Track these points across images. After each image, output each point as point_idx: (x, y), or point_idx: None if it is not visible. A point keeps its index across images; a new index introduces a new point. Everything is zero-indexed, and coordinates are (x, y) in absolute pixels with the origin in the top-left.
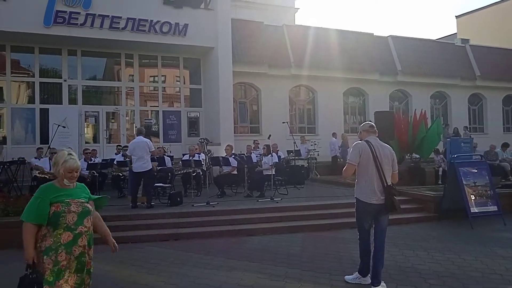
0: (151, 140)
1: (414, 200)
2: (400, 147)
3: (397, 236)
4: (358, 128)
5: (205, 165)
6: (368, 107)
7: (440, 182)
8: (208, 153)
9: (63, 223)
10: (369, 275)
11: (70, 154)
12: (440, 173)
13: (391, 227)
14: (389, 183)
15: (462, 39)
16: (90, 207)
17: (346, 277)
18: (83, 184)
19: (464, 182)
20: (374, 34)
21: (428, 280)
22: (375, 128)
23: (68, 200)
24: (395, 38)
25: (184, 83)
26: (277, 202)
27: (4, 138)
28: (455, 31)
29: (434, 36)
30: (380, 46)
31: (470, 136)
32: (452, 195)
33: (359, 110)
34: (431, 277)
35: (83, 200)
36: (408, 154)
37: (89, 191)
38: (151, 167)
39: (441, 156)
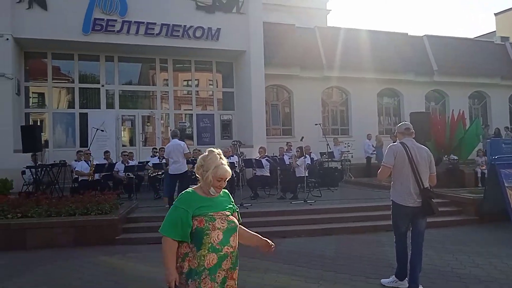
0: (185, 143)
1: (453, 203)
2: (437, 149)
3: (435, 240)
4: (393, 129)
5: (238, 167)
6: (403, 108)
7: (480, 184)
8: (241, 155)
9: (208, 243)
10: (406, 279)
11: (222, 158)
12: (479, 175)
13: (429, 230)
14: (426, 186)
15: (501, 37)
16: (236, 222)
17: (383, 280)
18: (226, 191)
19: (506, 184)
20: (408, 34)
21: (469, 285)
22: (412, 130)
23: (211, 214)
24: (430, 37)
25: (217, 87)
26: (311, 204)
27: (46, 141)
28: (494, 29)
29: (472, 35)
30: (415, 46)
31: None
32: (493, 198)
33: (394, 111)
34: (472, 281)
35: (228, 213)
36: (446, 156)
37: (233, 199)
38: (187, 169)
39: (485, 158)
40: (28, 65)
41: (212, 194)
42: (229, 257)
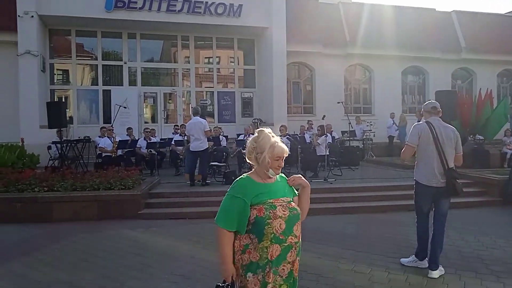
0: (206, 120)
1: (477, 184)
2: (462, 128)
3: (458, 220)
4: (417, 108)
5: None
6: (429, 86)
7: (506, 165)
8: None
9: (270, 233)
10: (426, 259)
11: (274, 136)
12: (508, 156)
13: (452, 211)
14: (451, 166)
15: None
16: (298, 209)
17: (402, 259)
18: (283, 175)
19: None
20: (436, 10)
21: (490, 266)
22: (439, 109)
23: (271, 201)
24: (459, 13)
25: (238, 64)
26: (331, 183)
27: (71, 118)
28: None
29: (503, 10)
30: (442, 22)
31: None
32: None
33: (419, 90)
34: (494, 263)
35: (288, 199)
36: (471, 136)
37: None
38: (207, 146)
39: None
40: (53, 42)
41: (271, 176)
42: (293, 248)
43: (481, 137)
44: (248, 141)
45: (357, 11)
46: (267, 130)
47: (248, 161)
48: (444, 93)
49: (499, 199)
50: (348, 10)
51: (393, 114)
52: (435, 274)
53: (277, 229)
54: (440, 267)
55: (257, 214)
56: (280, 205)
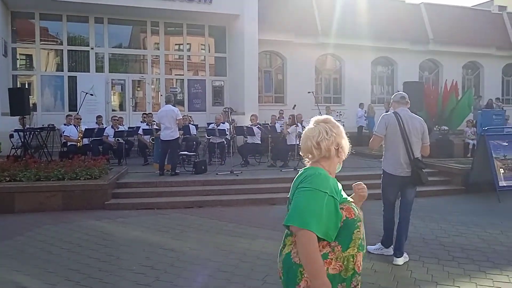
0: (178, 109)
1: (441, 173)
2: (429, 119)
3: (422, 209)
4: (385, 98)
5: (229, 134)
6: (397, 77)
7: (469, 155)
8: (232, 123)
9: (357, 238)
10: (391, 246)
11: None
12: (470, 146)
13: (417, 199)
14: (417, 156)
15: (499, 6)
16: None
17: (369, 247)
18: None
19: (493, 155)
20: (405, 1)
21: (451, 252)
22: (407, 99)
23: (352, 201)
24: (427, 5)
25: (209, 52)
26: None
27: (34, 105)
28: None
29: (469, 3)
30: (411, 13)
31: (503, 108)
32: (481, 168)
33: (387, 80)
34: (455, 250)
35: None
36: (437, 126)
37: None
38: (178, 135)
39: (474, 129)
40: (15, 25)
41: (337, 171)
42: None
43: (445, 128)
44: (315, 129)
45: (329, 1)
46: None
47: (315, 152)
48: (412, 84)
49: (462, 188)
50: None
51: (362, 104)
52: (400, 261)
53: (362, 234)
54: (405, 254)
55: (347, 216)
56: (355, 205)
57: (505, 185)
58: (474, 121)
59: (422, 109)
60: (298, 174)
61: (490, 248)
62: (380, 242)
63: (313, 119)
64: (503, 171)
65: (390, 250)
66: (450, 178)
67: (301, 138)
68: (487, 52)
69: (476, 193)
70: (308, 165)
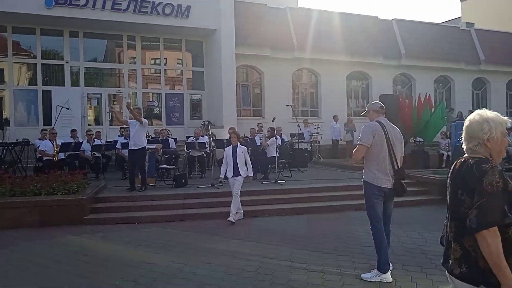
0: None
1: (418, 183)
2: (404, 131)
3: (402, 218)
4: (360, 111)
5: (209, 147)
6: (372, 90)
7: (444, 165)
8: (212, 136)
9: None
10: (390, 271)
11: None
12: (445, 157)
13: (396, 209)
14: (399, 166)
15: (467, 23)
16: None
17: (363, 275)
18: None
19: None
20: (378, 17)
21: (434, 261)
22: (385, 109)
23: None
24: (399, 21)
25: (186, 66)
26: (281, 184)
27: (7, 120)
28: (460, 15)
29: (438, 20)
30: (384, 29)
31: None
32: None
33: (362, 94)
34: (437, 258)
35: None
36: (412, 138)
37: None
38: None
39: (448, 140)
40: None
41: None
42: None
43: (421, 139)
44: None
45: (304, 16)
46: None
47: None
48: (388, 97)
49: (439, 198)
50: (295, 15)
51: (337, 116)
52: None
53: None
54: (390, 264)
55: None
56: None
57: None
58: (448, 133)
59: (397, 122)
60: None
61: None
62: (376, 268)
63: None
64: None
65: (389, 277)
66: (427, 188)
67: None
68: (457, 67)
69: None
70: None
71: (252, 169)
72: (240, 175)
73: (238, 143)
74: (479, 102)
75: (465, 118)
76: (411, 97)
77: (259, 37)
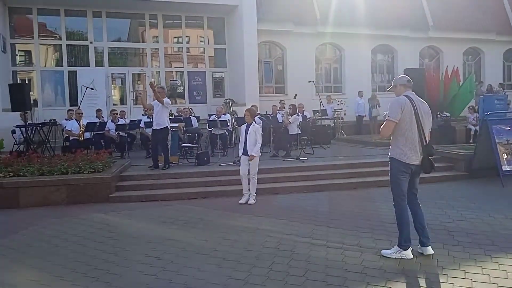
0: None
1: (444, 159)
2: (430, 105)
3: (426, 195)
4: (386, 86)
5: (231, 125)
6: (397, 64)
7: (471, 141)
8: (233, 114)
9: None
10: (410, 248)
11: None
12: (472, 132)
13: (420, 185)
14: (428, 142)
15: None
16: None
17: (383, 251)
18: None
19: (496, 140)
20: None
21: (456, 237)
22: (412, 83)
23: None
24: None
25: (208, 43)
26: (303, 162)
27: (35, 100)
28: None
29: None
30: (411, 0)
31: (505, 93)
32: (484, 153)
33: (388, 68)
34: (460, 234)
35: None
36: (438, 113)
37: None
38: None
39: (476, 114)
40: (13, 21)
41: None
42: None
43: (447, 114)
44: None
45: None
46: None
47: None
48: (413, 71)
49: (465, 173)
50: None
51: (362, 92)
52: (431, 249)
53: None
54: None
55: None
56: None
57: (508, 169)
58: (476, 107)
59: (424, 96)
60: None
61: (495, 232)
62: (397, 244)
63: None
64: (506, 156)
65: (410, 253)
66: (453, 164)
67: None
68: (488, 38)
69: (479, 178)
70: None
71: (258, 148)
72: (248, 155)
73: (253, 121)
74: (511, 74)
75: (495, 91)
76: (438, 70)
77: (281, 12)
